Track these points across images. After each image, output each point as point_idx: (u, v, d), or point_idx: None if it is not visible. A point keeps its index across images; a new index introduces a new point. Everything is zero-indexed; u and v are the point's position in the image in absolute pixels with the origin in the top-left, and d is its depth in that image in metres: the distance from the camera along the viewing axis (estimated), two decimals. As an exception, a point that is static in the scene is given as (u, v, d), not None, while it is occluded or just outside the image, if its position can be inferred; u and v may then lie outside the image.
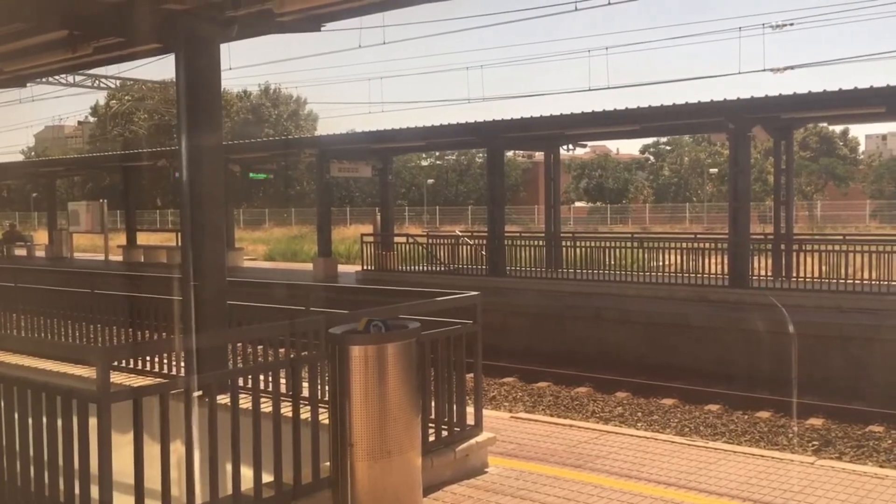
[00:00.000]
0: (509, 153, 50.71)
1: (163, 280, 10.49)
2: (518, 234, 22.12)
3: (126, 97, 54.68)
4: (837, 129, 59.02)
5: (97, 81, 27.56)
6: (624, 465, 5.94)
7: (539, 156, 36.00)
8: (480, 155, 57.16)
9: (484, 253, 19.63)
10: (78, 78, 25.62)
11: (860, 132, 79.48)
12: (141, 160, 30.75)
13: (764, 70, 22.77)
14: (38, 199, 39.48)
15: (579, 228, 45.19)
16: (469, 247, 20.35)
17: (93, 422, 3.91)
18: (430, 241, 21.53)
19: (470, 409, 5.95)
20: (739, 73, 35.87)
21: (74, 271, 20.22)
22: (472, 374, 6.04)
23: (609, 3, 15.84)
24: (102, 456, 3.82)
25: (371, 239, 21.85)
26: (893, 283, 14.11)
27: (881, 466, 8.80)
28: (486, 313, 6.09)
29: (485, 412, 6.25)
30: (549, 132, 19.81)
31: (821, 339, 12.83)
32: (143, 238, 32.35)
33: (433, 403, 5.64)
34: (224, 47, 8.19)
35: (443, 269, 20.09)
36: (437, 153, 61.38)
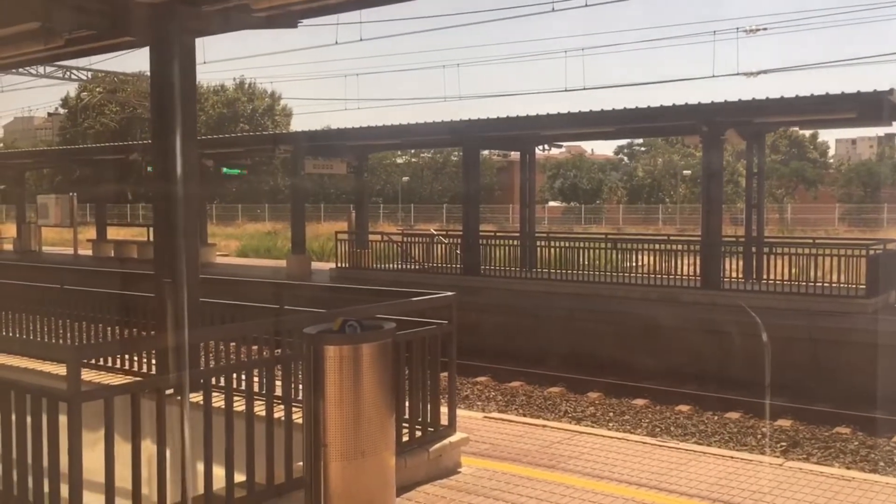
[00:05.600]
0: (485, 152, 50.78)
1: (134, 276, 10.38)
2: (493, 234, 22.15)
3: (97, 89, 53.95)
4: (807, 133, 59.82)
5: (68, 73, 27.20)
6: (596, 465, 5.98)
7: (514, 155, 36.06)
8: (456, 153, 57.19)
9: (458, 252, 19.64)
10: (49, 69, 25.26)
11: (830, 136, 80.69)
12: (112, 153, 30.37)
13: (738, 74, 23.07)
14: (5, 191, 38.81)
15: (554, 228, 45.37)
16: (444, 245, 20.36)
17: (62, 420, 3.86)
18: (405, 239, 21.50)
19: (444, 410, 5.96)
20: (713, 76, 36.27)
21: (43, 266, 19.92)
22: (445, 374, 6.04)
23: (586, 5, 15.93)
24: (72, 455, 3.78)
25: (346, 236, 21.78)
26: (861, 286, 14.32)
27: (847, 468, 8.95)
28: (460, 312, 6.10)
29: (458, 412, 6.26)
30: (524, 132, 19.87)
31: (789, 340, 13.01)
32: (112, 232, 31.94)
33: (407, 403, 5.64)
34: (199, 41, 8.11)
35: (417, 267, 20.08)
36: (413, 151, 61.28)
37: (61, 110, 69.38)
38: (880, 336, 12.23)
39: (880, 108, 14.14)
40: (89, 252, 29.00)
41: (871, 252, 14.68)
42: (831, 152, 71.37)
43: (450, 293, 6.05)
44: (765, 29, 22.57)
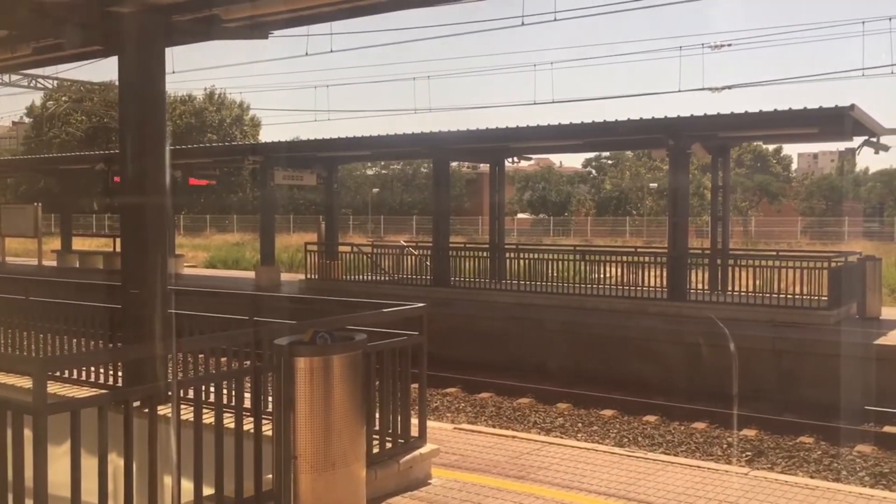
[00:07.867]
0: (454, 164, 50.94)
1: (100, 287, 10.24)
2: (462, 245, 22.21)
3: (63, 98, 53.25)
4: (771, 147, 60.85)
5: (34, 81, 26.82)
6: (565, 476, 6.02)
7: (484, 167, 36.17)
8: (426, 165, 57.24)
9: (428, 263, 19.67)
10: (14, 77, 24.89)
11: (793, 150, 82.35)
12: (78, 163, 29.97)
13: (703, 89, 23.42)
14: (-32, 200, 38.10)
15: (523, 240, 45.53)
16: (413, 257, 20.37)
17: (28, 434, 3.81)
18: (375, 250, 21.48)
19: (414, 421, 5.96)
20: (679, 91, 36.71)
21: (6, 277, 19.56)
22: (416, 385, 6.05)
23: (555, 20, 16.12)
24: (38, 469, 3.72)
25: (315, 248, 21.69)
26: (823, 297, 14.58)
27: (811, 477, 9.09)
28: (430, 323, 6.11)
29: (428, 423, 6.27)
30: (494, 145, 19.99)
31: (753, 351, 13.20)
32: (78, 243, 31.47)
33: (378, 415, 5.63)
34: (168, 50, 8.08)
35: (387, 278, 20.06)
36: (383, 163, 61.25)
37: (26, 119, 68.38)
38: (842, 347, 12.45)
39: (842, 124, 14.45)
40: (54, 263, 28.56)
41: (833, 264, 14.97)
42: (794, 166, 72.79)
43: (420, 304, 6.07)
44: (730, 45, 22.93)
